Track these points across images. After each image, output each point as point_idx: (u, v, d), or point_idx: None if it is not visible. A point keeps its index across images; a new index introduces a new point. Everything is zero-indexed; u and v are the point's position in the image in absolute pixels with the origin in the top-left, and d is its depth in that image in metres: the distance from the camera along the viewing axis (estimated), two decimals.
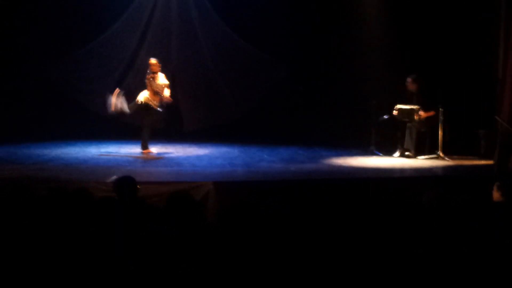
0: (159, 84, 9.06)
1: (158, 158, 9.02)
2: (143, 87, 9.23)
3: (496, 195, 4.85)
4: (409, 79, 9.32)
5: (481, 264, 3.67)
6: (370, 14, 10.80)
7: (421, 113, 9.12)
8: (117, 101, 8.97)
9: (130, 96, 9.31)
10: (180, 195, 3.92)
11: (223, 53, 10.77)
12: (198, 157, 9.12)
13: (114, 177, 6.03)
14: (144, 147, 9.15)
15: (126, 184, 4.84)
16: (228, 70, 10.80)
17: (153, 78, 9.07)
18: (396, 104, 9.27)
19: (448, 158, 8.95)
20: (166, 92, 9.10)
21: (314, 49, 11.13)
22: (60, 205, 4.15)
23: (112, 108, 8.99)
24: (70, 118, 10.79)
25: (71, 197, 4.20)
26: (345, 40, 11.01)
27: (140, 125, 9.29)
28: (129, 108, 9.04)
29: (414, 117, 9.11)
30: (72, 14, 10.75)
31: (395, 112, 9.24)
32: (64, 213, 4.06)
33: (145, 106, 9.02)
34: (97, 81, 10.59)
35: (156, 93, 9.03)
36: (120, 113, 9.07)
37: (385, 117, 9.47)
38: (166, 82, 9.14)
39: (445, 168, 8.42)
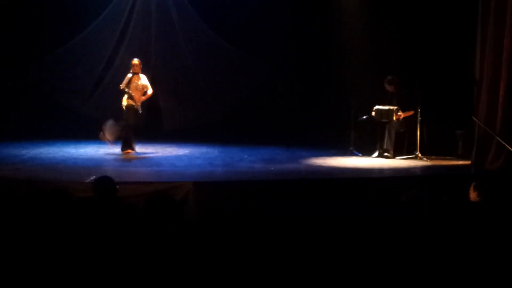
0: (140, 85, 9.04)
1: (138, 158, 8.97)
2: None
3: (473, 195, 4.90)
4: (386, 80, 9.40)
5: (459, 263, 3.71)
6: (349, 15, 10.86)
7: (400, 113, 9.21)
8: (108, 132, 9.01)
9: (111, 97, 9.29)
10: (159, 196, 3.91)
11: (203, 53, 10.75)
12: (178, 157, 9.10)
13: (93, 177, 6.00)
14: (127, 147, 9.09)
15: (105, 184, 4.81)
16: (208, 70, 10.79)
17: (135, 79, 9.02)
18: (374, 105, 9.34)
19: (426, 158, 9.04)
20: (149, 92, 9.10)
21: (294, 49, 11.15)
22: (37, 205, 4.11)
23: (110, 139, 9.05)
24: (48, 118, 10.70)
25: (49, 197, 4.17)
26: (324, 41, 11.06)
27: (123, 126, 9.20)
28: (123, 120, 9.02)
29: (392, 117, 9.18)
30: (51, 13, 10.65)
31: (373, 113, 9.31)
32: (41, 213, 4.02)
33: (129, 108, 8.98)
34: (76, 80, 10.51)
35: (130, 95, 8.96)
36: (116, 138, 9.07)
37: (364, 117, 9.53)
38: (147, 83, 9.13)
39: (423, 168, 8.50)
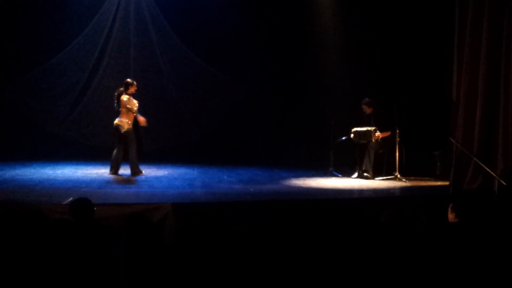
0: (133, 105, 8.95)
1: (117, 179, 8.89)
2: (100, 106, 9.13)
3: (450, 216, 4.92)
4: (364, 102, 9.48)
5: (438, 284, 3.71)
6: (328, 36, 10.97)
7: (378, 133, 9.28)
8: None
9: (88, 118, 9.21)
10: (136, 217, 3.87)
11: (181, 73, 10.79)
12: (157, 178, 9.03)
13: (70, 199, 5.93)
14: (118, 169, 9.02)
15: (82, 205, 4.75)
16: (187, 90, 10.82)
17: (129, 99, 8.93)
18: (353, 127, 9.40)
19: (405, 179, 9.09)
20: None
21: (273, 70, 11.23)
22: (13, 227, 4.04)
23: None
24: (25, 139, 10.58)
25: (24, 219, 4.09)
26: (303, 62, 11.15)
27: (115, 146, 9.09)
28: (118, 143, 8.93)
29: (371, 138, 9.24)
30: (28, 32, 10.58)
31: (352, 135, 9.37)
32: (18, 235, 3.95)
33: (130, 132, 8.91)
34: (54, 100, 10.45)
35: (126, 113, 8.89)
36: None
37: (343, 138, 9.59)
38: (137, 105, 9.03)
39: (402, 189, 8.54)
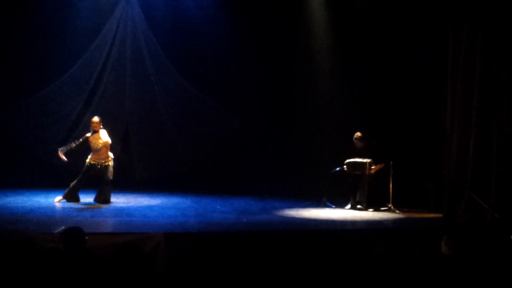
0: (101, 142, 8.95)
1: (109, 208, 8.84)
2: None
3: (444, 248, 4.91)
4: (356, 137, 9.48)
5: None
6: (322, 66, 11.05)
7: (373, 166, 9.29)
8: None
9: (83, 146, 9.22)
10: (127, 247, 3.83)
11: (176, 102, 10.84)
12: (150, 207, 8.99)
13: (62, 228, 5.89)
14: (102, 198, 9.02)
15: (74, 235, 4.71)
16: (181, 119, 10.85)
17: (95, 136, 8.96)
18: (347, 157, 9.41)
19: (399, 210, 9.07)
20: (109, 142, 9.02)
21: (268, 100, 11.28)
22: (2, 256, 4.00)
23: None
24: (17, 166, 10.54)
25: (14, 247, 4.06)
26: (297, 92, 11.21)
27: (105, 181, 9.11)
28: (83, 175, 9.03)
29: (365, 169, 9.25)
30: (23, 60, 10.63)
31: (345, 167, 9.38)
32: (6, 264, 3.91)
33: (90, 166, 8.93)
34: (49, 128, 10.44)
35: (96, 150, 8.94)
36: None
37: (337, 169, 9.59)
38: (108, 139, 9.01)
39: (396, 221, 8.52)
